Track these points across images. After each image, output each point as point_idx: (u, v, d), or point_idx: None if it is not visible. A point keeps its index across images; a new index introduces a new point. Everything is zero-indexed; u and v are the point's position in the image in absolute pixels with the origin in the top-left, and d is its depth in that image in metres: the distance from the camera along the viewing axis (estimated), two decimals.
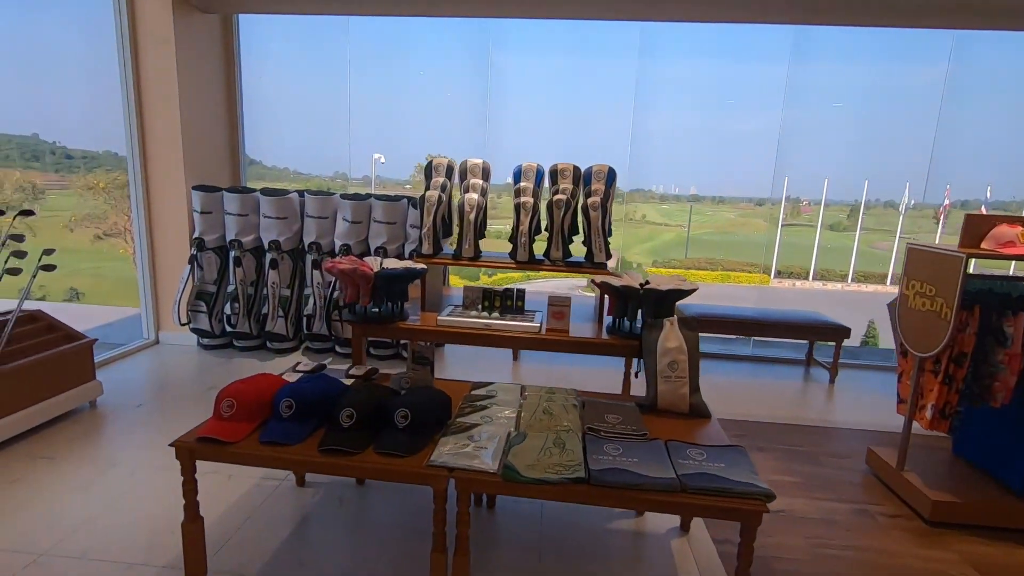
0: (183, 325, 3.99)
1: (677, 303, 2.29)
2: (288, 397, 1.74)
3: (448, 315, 2.34)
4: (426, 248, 2.46)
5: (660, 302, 2.13)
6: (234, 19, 4.46)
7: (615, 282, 2.17)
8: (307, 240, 4.00)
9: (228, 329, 4.02)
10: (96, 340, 3.09)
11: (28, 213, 2.91)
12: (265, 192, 3.91)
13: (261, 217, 3.97)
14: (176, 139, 3.94)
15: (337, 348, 4.12)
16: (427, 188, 2.53)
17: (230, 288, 4.02)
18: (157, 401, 3.22)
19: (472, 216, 2.39)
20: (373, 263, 2.41)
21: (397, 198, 3.93)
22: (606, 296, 2.43)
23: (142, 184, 4.00)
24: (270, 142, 5.13)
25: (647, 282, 2.29)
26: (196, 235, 3.99)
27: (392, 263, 2.38)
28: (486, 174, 2.57)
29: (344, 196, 3.90)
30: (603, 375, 3.71)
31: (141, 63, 3.87)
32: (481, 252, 2.48)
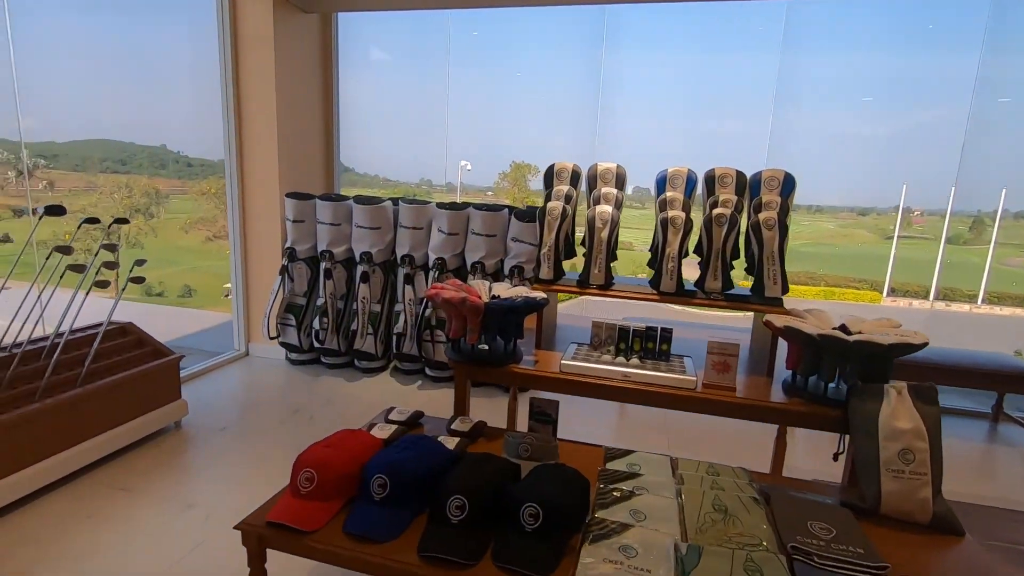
0: (272, 339, 3.80)
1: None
2: (381, 474, 1.33)
3: (572, 358, 1.87)
4: (545, 272, 2.00)
5: (877, 360, 1.53)
6: (333, 20, 4.27)
7: (806, 328, 1.60)
8: (400, 252, 3.69)
9: (316, 345, 3.78)
10: (183, 356, 2.91)
11: (123, 221, 2.77)
12: (358, 200, 3.64)
13: (353, 227, 3.70)
14: (272, 144, 3.77)
15: (427, 370, 3.77)
16: (547, 198, 2.08)
17: (319, 302, 3.79)
18: (242, 424, 2.99)
19: (605, 234, 1.91)
20: (480, 288, 1.98)
21: (497, 207, 3.52)
22: (780, 341, 1.86)
23: (238, 190, 3.87)
24: (361, 147, 4.91)
25: (843, 325, 1.70)
26: (288, 245, 3.80)
27: (504, 290, 1.95)
28: (620, 181, 2.09)
29: (440, 205, 3.55)
30: (736, 433, 3.09)
31: (241, 65, 3.74)
32: (613, 278, 1.99)
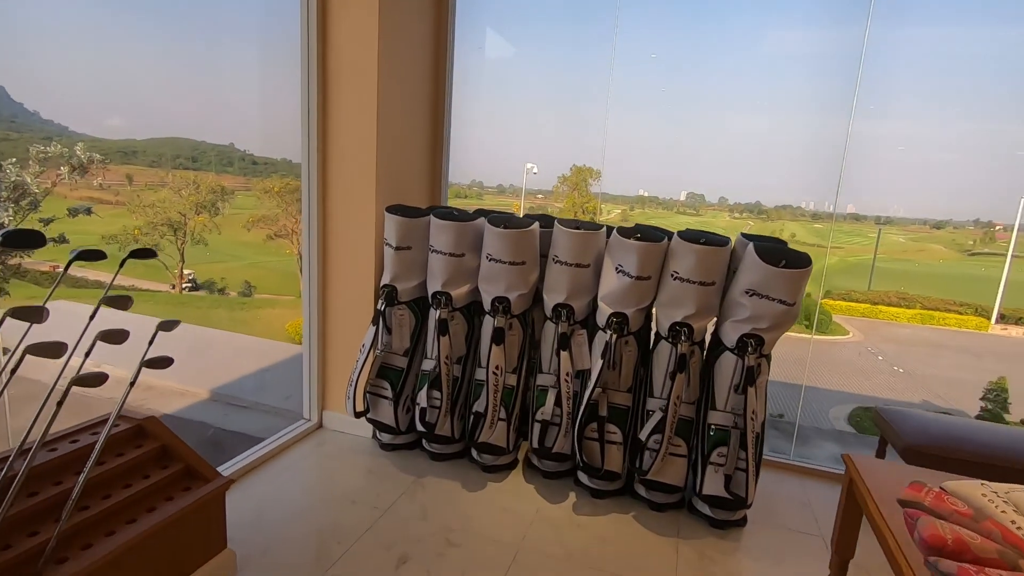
0: (358, 416, 2.64)
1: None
2: None
3: None
4: None
5: None
6: None
7: None
8: (551, 300, 2.46)
9: (420, 429, 2.59)
10: (232, 482, 1.75)
11: (145, 255, 1.64)
12: (494, 221, 2.44)
13: (483, 259, 2.50)
14: (367, 138, 2.63)
15: (581, 477, 2.52)
16: None
17: (428, 366, 2.61)
18: None
19: None
20: (997, 514, 0.70)
21: (721, 241, 2.23)
22: None
23: (317, 205, 2.74)
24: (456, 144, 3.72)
25: None
26: (386, 281, 2.64)
27: None
28: None
29: (623, 232, 2.29)
30: None
31: (331, 29, 2.61)
32: None
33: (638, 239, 2.23)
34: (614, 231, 2.33)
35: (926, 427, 2.28)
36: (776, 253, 2.08)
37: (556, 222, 2.42)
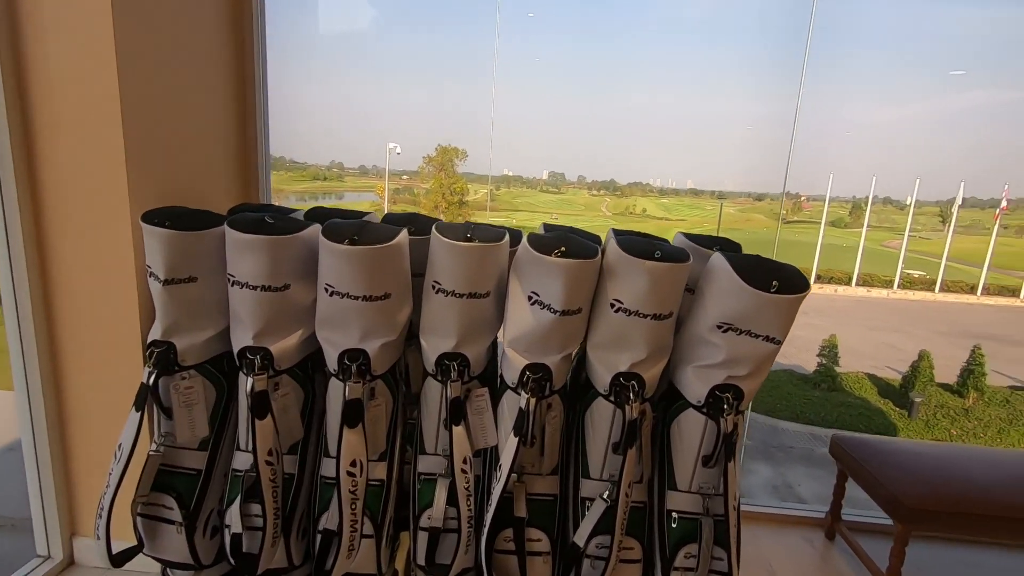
0: (116, 564, 1.59)
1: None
2: None
3: None
4: None
5: None
6: None
7: None
8: (432, 349, 1.62)
9: (233, 564, 1.63)
10: None
11: None
12: (333, 231, 1.51)
13: (321, 292, 1.58)
14: (105, 91, 1.55)
15: None
16: None
17: (241, 463, 1.64)
18: None
19: None
20: None
21: (682, 254, 1.54)
22: None
23: (19, 215, 1.60)
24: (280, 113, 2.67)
25: None
26: (156, 337, 1.60)
27: None
28: None
29: (539, 244, 1.52)
30: None
31: None
32: None
33: (561, 254, 1.47)
34: (523, 240, 1.55)
35: (918, 471, 1.83)
36: (759, 270, 1.45)
37: (435, 229, 1.57)
